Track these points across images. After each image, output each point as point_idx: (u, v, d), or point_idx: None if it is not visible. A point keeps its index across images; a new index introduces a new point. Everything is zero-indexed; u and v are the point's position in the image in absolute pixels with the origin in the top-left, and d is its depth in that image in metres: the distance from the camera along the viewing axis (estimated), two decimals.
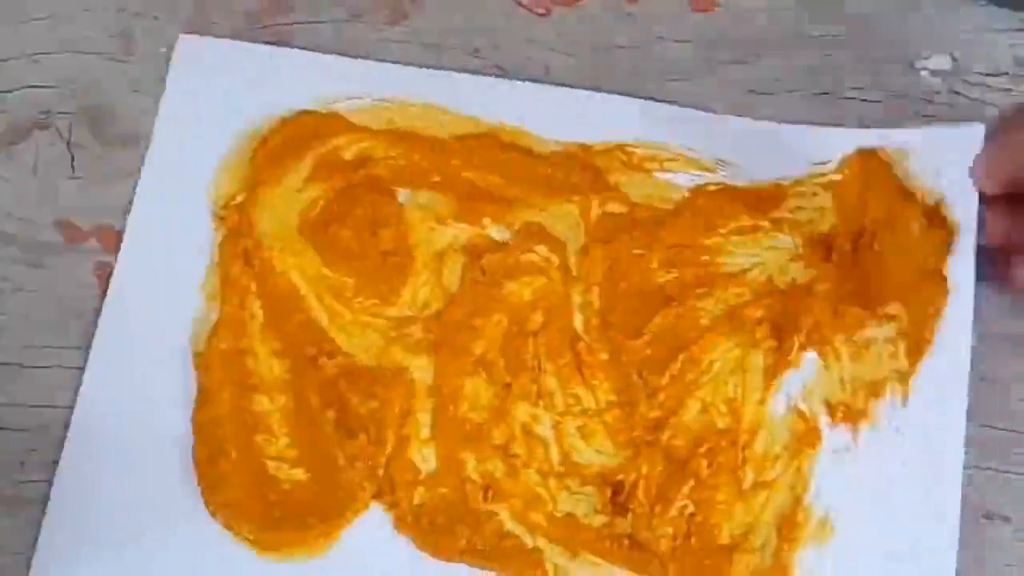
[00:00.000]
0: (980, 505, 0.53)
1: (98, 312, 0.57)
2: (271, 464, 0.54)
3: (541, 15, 0.61)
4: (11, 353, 0.57)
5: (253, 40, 0.61)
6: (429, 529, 0.53)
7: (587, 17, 0.61)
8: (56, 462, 0.55)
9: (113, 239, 0.58)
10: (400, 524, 0.53)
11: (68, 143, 0.60)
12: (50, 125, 0.60)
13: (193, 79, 0.60)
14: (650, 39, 0.60)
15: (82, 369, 0.56)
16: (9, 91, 0.61)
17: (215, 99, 0.60)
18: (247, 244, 0.57)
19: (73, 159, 0.60)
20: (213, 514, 0.53)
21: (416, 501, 0.54)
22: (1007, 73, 0.57)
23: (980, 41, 0.58)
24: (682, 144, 0.58)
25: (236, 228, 0.57)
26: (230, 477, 0.54)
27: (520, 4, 0.61)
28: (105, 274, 0.58)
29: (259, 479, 0.54)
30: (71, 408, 0.56)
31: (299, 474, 0.54)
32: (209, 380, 0.55)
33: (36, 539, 0.54)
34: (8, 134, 0.60)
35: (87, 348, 0.57)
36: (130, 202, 0.58)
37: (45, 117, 0.61)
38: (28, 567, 0.53)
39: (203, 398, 0.55)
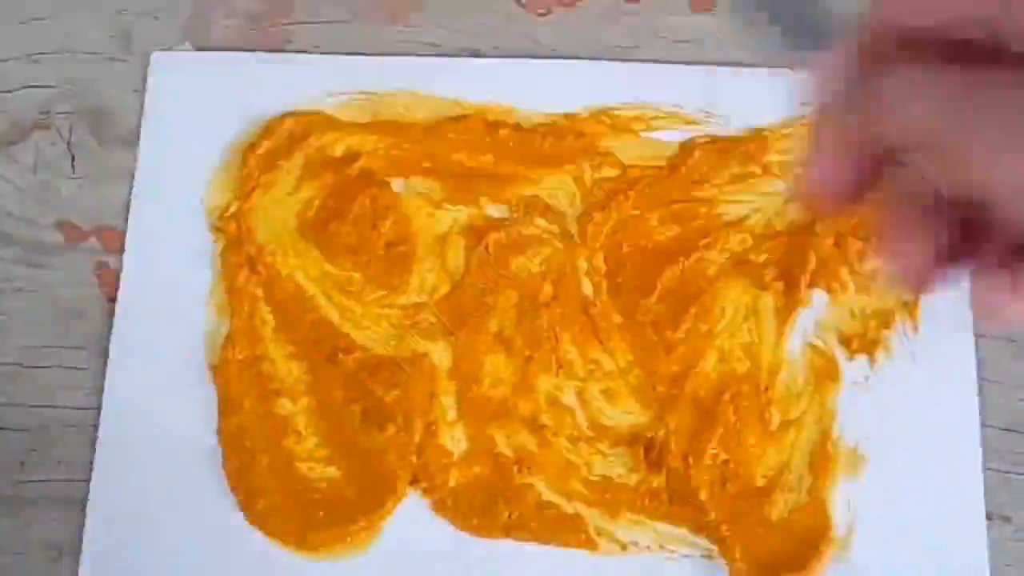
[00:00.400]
0: None
1: (98, 312, 0.57)
2: (303, 466, 0.55)
3: (541, 15, 0.61)
4: (11, 353, 0.57)
5: (253, 40, 0.61)
6: (468, 509, 0.54)
7: (587, 17, 0.61)
8: (60, 462, 0.55)
9: (113, 239, 0.58)
10: (439, 508, 0.54)
11: (68, 143, 0.60)
12: (50, 125, 0.60)
13: (171, 95, 0.60)
14: (650, 39, 0.60)
15: (82, 369, 0.56)
16: (9, 91, 0.61)
17: (196, 112, 0.59)
18: (249, 251, 0.57)
19: (73, 159, 0.60)
20: (253, 524, 0.53)
21: (452, 483, 0.54)
22: None
23: None
24: (665, 101, 0.58)
25: (235, 237, 0.57)
26: (264, 485, 0.54)
27: (520, 4, 0.61)
28: (105, 274, 0.58)
29: (293, 483, 0.54)
30: (71, 408, 0.56)
31: (332, 472, 0.54)
32: (229, 391, 0.55)
33: (37, 540, 0.54)
34: (8, 134, 0.60)
35: (87, 348, 0.57)
36: (130, 202, 0.58)
37: (45, 117, 0.60)
38: (28, 567, 0.53)
39: (225, 409, 0.55)
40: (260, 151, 0.58)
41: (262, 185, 0.58)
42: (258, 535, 0.53)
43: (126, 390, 0.56)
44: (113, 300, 0.57)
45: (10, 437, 0.56)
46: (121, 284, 0.57)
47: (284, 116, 0.59)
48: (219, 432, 0.55)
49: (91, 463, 0.55)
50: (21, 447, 0.56)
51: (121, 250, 0.58)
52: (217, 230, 0.58)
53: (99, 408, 0.55)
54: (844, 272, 0.55)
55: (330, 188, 0.58)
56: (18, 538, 0.54)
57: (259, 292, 0.57)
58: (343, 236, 0.57)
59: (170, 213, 0.58)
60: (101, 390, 0.56)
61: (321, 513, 0.54)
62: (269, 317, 0.57)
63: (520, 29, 0.61)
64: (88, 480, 0.55)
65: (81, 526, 0.54)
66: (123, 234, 0.58)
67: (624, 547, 0.53)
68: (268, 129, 0.59)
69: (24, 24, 0.62)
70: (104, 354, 0.56)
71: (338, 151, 0.58)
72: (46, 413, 0.56)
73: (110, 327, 0.57)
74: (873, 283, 0.55)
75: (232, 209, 0.58)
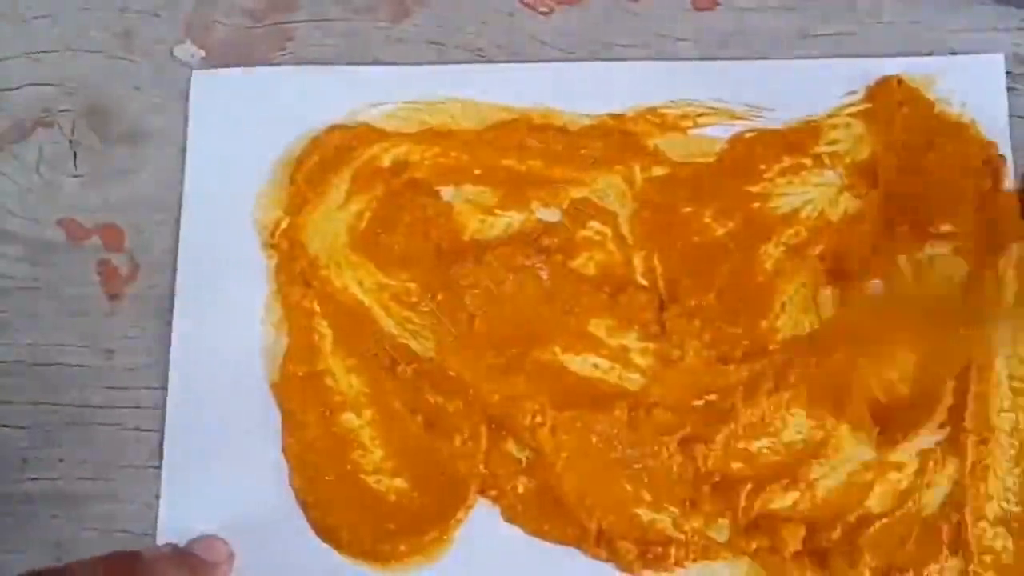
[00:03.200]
0: None
1: (101, 310, 0.58)
2: (370, 479, 0.55)
3: (544, 14, 0.61)
4: (14, 351, 0.58)
5: (255, 39, 0.60)
6: (539, 515, 0.53)
7: (589, 16, 0.60)
8: (61, 460, 0.56)
9: (116, 237, 0.58)
10: (510, 514, 0.54)
11: (70, 141, 0.60)
12: (52, 123, 0.60)
13: (214, 115, 0.59)
14: (652, 38, 0.60)
15: (85, 367, 0.57)
16: (11, 89, 0.61)
17: (241, 131, 0.59)
18: (303, 266, 0.57)
19: (75, 157, 0.60)
20: (323, 539, 0.53)
21: (520, 490, 0.54)
22: (1009, 72, 0.57)
23: (980, 41, 0.58)
24: (711, 98, 0.58)
25: (288, 253, 0.57)
26: (333, 500, 0.54)
27: (523, 3, 0.61)
28: (108, 272, 0.58)
29: (362, 496, 0.54)
30: (73, 406, 0.56)
31: (400, 483, 0.55)
32: (291, 407, 0.55)
33: (39, 538, 0.55)
34: (11, 132, 0.60)
35: (89, 346, 0.57)
36: (130, 201, 0.59)
37: (47, 115, 0.60)
38: (29, 565, 0.53)
39: (289, 426, 0.55)
40: (308, 166, 0.58)
41: (312, 200, 0.58)
42: (330, 550, 0.53)
43: (187, 412, 0.56)
44: (115, 298, 0.58)
45: (12, 435, 0.56)
46: (175, 306, 0.57)
47: (331, 130, 0.59)
48: (284, 449, 0.55)
49: (93, 464, 0.56)
50: (23, 445, 0.56)
51: (123, 248, 0.58)
52: (269, 247, 0.57)
53: (102, 407, 0.56)
54: (901, 261, 0.55)
55: (380, 199, 0.58)
56: (19, 536, 0.55)
57: (315, 307, 0.57)
58: (395, 247, 0.57)
59: (220, 233, 0.58)
60: (102, 388, 0.57)
61: (392, 525, 0.54)
62: (327, 331, 0.56)
63: (522, 28, 0.60)
64: (90, 479, 0.56)
65: (82, 525, 0.55)
66: (125, 232, 0.58)
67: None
68: (315, 143, 0.59)
69: (26, 23, 0.62)
70: (106, 352, 0.57)
71: (386, 162, 0.58)
72: (48, 411, 0.56)
73: (111, 325, 0.57)
74: (932, 271, 0.55)
75: (283, 225, 0.58)
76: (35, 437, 0.56)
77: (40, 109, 0.60)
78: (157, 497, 0.55)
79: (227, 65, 0.60)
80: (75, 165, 0.60)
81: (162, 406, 0.56)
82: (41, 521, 0.55)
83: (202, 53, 0.61)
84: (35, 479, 0.56)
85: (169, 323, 0.57)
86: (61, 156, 0.60)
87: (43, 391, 0.57)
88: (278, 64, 0.60)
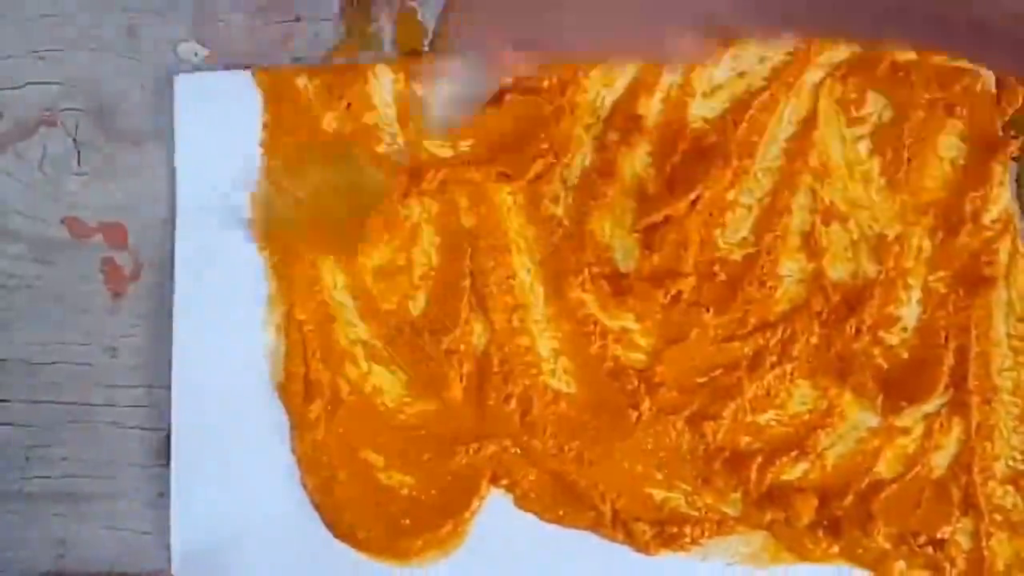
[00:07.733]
0: None
1: (104, 307, 0.58)
2: (382, 475, 0.54)
3: None
4: (17, 349, 0.57)
5: (258, 39, 0.60)
6: (553, 501, 0.54)
7: None
8: (64, 458, 0.56)
9: (119, 235, 0.58)
10: (523, 502, 0.54)
11: (74, 139, 0.59)
12: (56, 122, 0.60)
13: (200, 119, 0.59)
14: None
15: (87, 365, 0.57)
16: (14, 88, 0.60)
17: (228, 134, 0.58)
18: (303, 266, 0.57)
19: (79, 155, 0.59)
20: (340, 538, 0.53)
21: (532, 477, 0.54)
22: None
23: None
24: None
25: (287, 253, 0.57)
26: (347, 499, 0.54)
27: None
28: (111, 269, 0.58)
29: (375, 493, 0.54)
30: (76, 404, 0.56)
31: (411, 479, 0.54)
32: (298, 407, 0.55)
33: (41, 535, 0.55)
34: (15, 131, 0.60)
35: (92, 344, 0.57)
36: (133, 199, 0.59)
37: (51, 114, 0.60)
38: (31, 562, 0.55)
39: (297, 426, 0.55)
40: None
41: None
42: (347, 548, 0.53)
43: (194, 418, 0.55)
44: (118, 296, 0.57)
45: (14, 433, 0.56)
46: (175, 314, 0.56)
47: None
48: (294, 450, 0.55)
49: (95, 462, 0.56)
50: (26, 442, 0.56)
51: (126, 246, 0.58)
52: (267, 249, 0.57)
53: (105, 405, 0.56)
54: None
55: None
56: (22, 533, 0.55)
57: (316, 305, 0.56)
58: (395, 237, 0.57)
59: (216, 238, 0.57)
60: (105, 386, 0.56)
61: (407, 520, 0.54)
62: (330, 327, 0.56)
63: None
64: (93, 476, 0.56)
65: (85, 523, 0.55)
66: (128, 230, 0.58)
67: None
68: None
69: (29, 21, 0.61)
70: (109, 350, 0.57)
71: None
72: (51, 409, 0.56)
73: (115, 322, 0.57)
74: None
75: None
76: (38, 435, 0.56)
77: (44, 108, 0.60)
78: (159, 495, 0.55)
79: (229, 64, 0.60)
80: (79, 163, 0.59)
81: (163, 405, 0.56)
82: (44, 519, 0.55)
83: (205, 52, 0.60)
84: (38, 477, 0.56)
85: (172, 321, 0.57)
86: (65, 154, 0.59)
87: (46, 389, 0.57)
88: (279, 63, 0.60)
